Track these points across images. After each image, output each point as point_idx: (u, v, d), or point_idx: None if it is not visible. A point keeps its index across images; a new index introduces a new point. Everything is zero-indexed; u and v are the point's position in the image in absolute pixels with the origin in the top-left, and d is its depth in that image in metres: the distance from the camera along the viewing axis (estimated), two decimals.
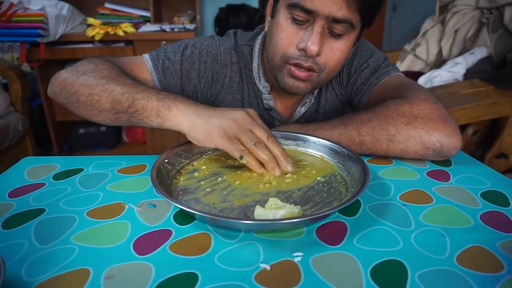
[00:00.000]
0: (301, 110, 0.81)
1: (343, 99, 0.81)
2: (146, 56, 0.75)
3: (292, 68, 0.66)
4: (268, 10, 0.71)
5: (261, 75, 0.78)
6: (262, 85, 0.78)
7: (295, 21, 0.63)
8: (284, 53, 0.65)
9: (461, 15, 1.86)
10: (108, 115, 0.61)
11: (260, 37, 0.78)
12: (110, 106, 0.60)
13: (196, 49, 0.75)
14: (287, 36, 0.64)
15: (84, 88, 0.61)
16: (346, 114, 0.68)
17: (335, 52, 0.65)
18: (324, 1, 0.59)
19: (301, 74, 0.66)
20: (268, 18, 0.72)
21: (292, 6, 0.62)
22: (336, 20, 0.60)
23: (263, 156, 0.55)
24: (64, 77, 0.64)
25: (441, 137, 0.60)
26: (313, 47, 0.61)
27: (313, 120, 0.82)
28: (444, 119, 0.61)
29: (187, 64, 0.74)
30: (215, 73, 0.77)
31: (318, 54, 0.63)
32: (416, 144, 0.61)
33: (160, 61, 0.73)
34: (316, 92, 0.80)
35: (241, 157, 0.54)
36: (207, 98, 0.79)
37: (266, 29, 0.72)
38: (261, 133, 0.55)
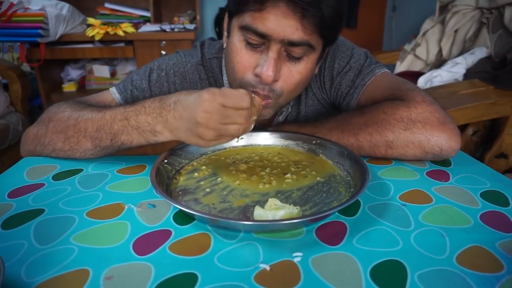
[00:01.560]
0: (279, 119, 0.77)
1: (326, 103, 0.77)
2: (113, 89, 0.72)
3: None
4: (225, 25, 0.66)
5: None
6: None
7: (249, 44, 0.59)
8: (241, 78, 0.61)
9: (461, 15, 1.86)
10: (94, 153, 0.61)
11: None
12: (92, 145, 0.59)
13: (162, 71, 0.73)
14: (242, 60, 0.60)
15: (58, 134, 0.61)
16: (343, 114, 0.67)
17: (293, 75, 0.60)
18: (277, 24, 0.54)
19: None
20: (225, 34, 0.67)
21: (244, 29, 0.57)
22: (292, 43, 0.56)
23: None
24: (34, 131, 0.64)
25: (441, 141, 0.59)
26: (267, 74, 0.57)
27: None
28: (443, 122, 0.60)
29: (156, 88, 0.72)
30: None
31: (275, 80, 0.59)
32: (415, 149, 0.61)
33: (129, 92, 0.71)
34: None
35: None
36: None
37: (224, 45, 0.68)
38: (240, 127, 0.52)
